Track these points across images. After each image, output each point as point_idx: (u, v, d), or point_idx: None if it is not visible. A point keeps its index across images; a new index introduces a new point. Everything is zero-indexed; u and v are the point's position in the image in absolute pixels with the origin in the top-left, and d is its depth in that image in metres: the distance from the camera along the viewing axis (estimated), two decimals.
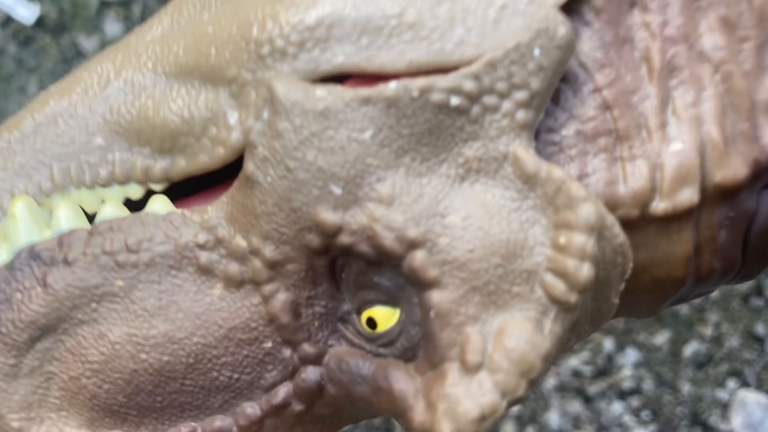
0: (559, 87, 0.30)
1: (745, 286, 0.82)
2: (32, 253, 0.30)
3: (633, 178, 0.30)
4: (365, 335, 0.29)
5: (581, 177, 0.30)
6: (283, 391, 0.30)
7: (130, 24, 0.82)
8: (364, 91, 0.28)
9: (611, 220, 0.29)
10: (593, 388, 0.78)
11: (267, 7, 0.29)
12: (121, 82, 0.31)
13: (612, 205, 0.30)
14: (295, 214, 0.28)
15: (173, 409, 0.30)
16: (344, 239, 0.28)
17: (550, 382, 0.79)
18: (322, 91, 0.28)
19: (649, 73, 0.31)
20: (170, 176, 0.31)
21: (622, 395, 0.78)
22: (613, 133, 0.30)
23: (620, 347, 0.80)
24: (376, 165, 0.28)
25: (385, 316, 0.29)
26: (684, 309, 0.82)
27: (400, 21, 0.29)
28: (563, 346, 0.29)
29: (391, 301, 0.29)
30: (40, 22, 0.80)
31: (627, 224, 0.30)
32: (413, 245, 0.28)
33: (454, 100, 0.28)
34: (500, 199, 0.29)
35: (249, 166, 0.29)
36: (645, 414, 0.78)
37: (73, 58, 0.80)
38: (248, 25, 0.29)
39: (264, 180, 0.28)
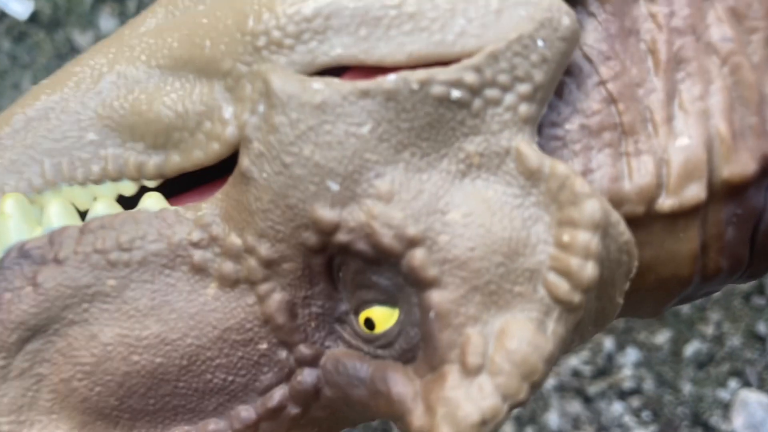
0: (562, 80, 0.30)
1: (746, 284, 0.82)
2: (22, 252, 0.30)
3: (638, 174, 0.30)
4: (363, 336, 0.29)
5: (585, 173, 0.30)
6: (278, 393, 0.30)
7: (125, 19, 0.82)
8: (363, 83, 0.28)
9: (616, 217, 0.29)
10: (593, 388, 0.78)
11: None
12: (114, 75, 0.31)
13: (617, 202, 0.30)
14: (292, 211, 0.28)
15: (166, 412, 0.30)
16: (342, 237, 0.28)
17: (549, 382, 0.79)
18: (319, 84, 0.28)
19: (655, 65, 0.31)
20: (164, 172, 0.30)
21: (623, 395, 0.79)
22: (618, 127, 0.30)
23: (620, 347, 0.80)
24: (374, 160, 0.28)
25: (384, 317, 0.29)
26: (685, 308, 0.82)
27: (400, 11, 0.28)
28: (566, 348, 0.29)
29: (389, 301, 0.29)
30: (34, 18, 0.80)
31: (632, 221, 0.30)
32: (412, 243, 0.28)
33: (455, 93, 0.28)
34: (502, 196, 0.28)
35: (244, 161, 0.28)
36: (645, 414, 0.78)
37: (68, 53, 0.80)
38: (244, 17, 0.29)
39: (259, 176, 0.28)
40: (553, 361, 0.28)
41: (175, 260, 0.29)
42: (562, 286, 0.27)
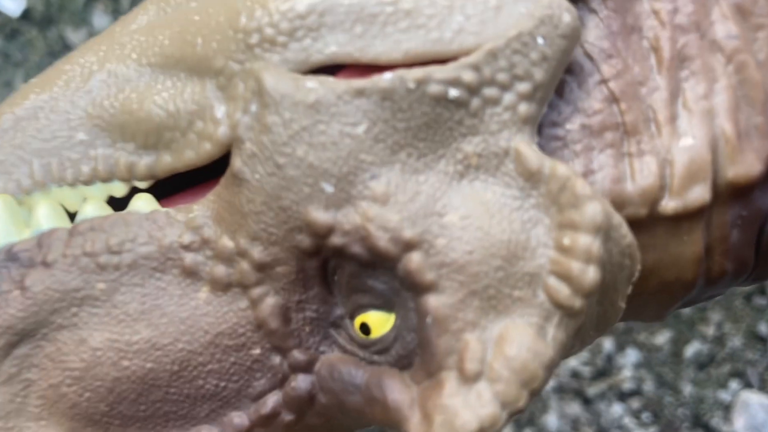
0: (563, 78, 0.30)
1: None
2: (10, 255, 0.30)
3: (641, 175, 0.29)
4: (358, 341, 0.29)
5: (586, 174, 0.30)
6: (272, 400, 0.29)
7: (118, 16, 0.82)
8: (358, 82, 0.27)
9: (618, 219, 0.28)
10: (592, 390, 0.79)
11: None
12: (104, 74, 0.31)
13: (619, 204, 0.30)
14: (285, 214, 0.28)
15: (157, 418, 0.29)
16: (336, 240, 0.28)
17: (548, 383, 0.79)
18: (313, 83, 0.27)
19: (658, 63, 0.30)
20: (155, 173, 0.30)
21: (622, 397, 0.79)
22: (621, 127, 0.30)
23: (620, 347, 0.80)
24: (370, 161, 0.28)
25: (380, 322, 0.28)
26: (685, 308, 0.82)
27: (396, 8, 0.28)
28: (567, 353, 0.29)
29: (385, 305, 0.28)
30: (26, 15, 0.80)
31: (635, 224, 0.30)
32: (409, 246, 0.27)
33: (453, 92, 0.28)
34: (501, 198, 0.28)
35: (236, 162, 0.28)
36: (645, 416, 0.78)
37: (60, 51, 0.81)
38: (236, 14, 0.29)
39: (252, 177, 0.28)
40: (553, 368, 0.27)
41: (166, 263, 0.29)
42: (563, 290, 0.27)
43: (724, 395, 0.78)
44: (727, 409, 0.78)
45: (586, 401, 0.79)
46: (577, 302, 0.27)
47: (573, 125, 0.30)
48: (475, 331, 0.27)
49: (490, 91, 0.28)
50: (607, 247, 0.28)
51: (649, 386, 0.79)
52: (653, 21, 0.30)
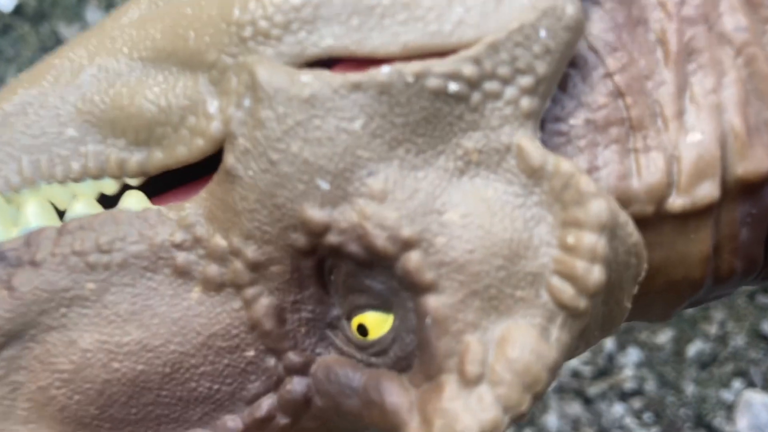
0: (566, 72, 0.30)
1: None
2: None
3: (648, 172, 0.29)
4: (356, 343, 0.29)
5: (591, 170, 0.29)
6: (266, 403, 0.29)
7: (112, 11, 0.82)
8: (355, 76, 0.27)
9: (624, 217, 0.28)
10: (593, 389, 0.79)
11: None
12: (94, 68, 0.30)
13: (625, 201, 0.29)
14: (279, 211, 0.27)
15: (149, 422, 0.29)
16: (332, 238, 0.27)
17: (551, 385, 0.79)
18: (308, 77, 0.27)
19: (664, 56, 0.30)
20: (146, 170, 0.30)
21: (624, 396, 0.79)
22: (626, 122, 0.29)
23: (621, 346, 0.80)
24: (367, 157, 0.27)
25: (377, 323, 0.28)
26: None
27: (394, 0, 0.28)
28: (570, 355, 0.29)
29: (383, 306, 0.28)
30: (18, 10, 0.80)
31: (641, 222, 0.29)
32: (408, 245, 0.27)
33: (453, 86, 0.27)
34: (503, 195, 0.28)
35: (229, 158, 0.28)
36: (647, 416, 0.78)
37: (53, 47, 0.81)
38: (229, 6, 0.29)
39: (245, 174, 0.28)
40: (557, 370, 0.27)
41: (157, 263, 0.29)
42: (567, 290, 0.27)
43: (726, 395, 0.79)
44: (729, 408, 0.78)
45: (587, 401, 0.79)
46: (582, 303, 0.27)
47: (577, 120, 0.29)
48: (476, 333, 0.27)
49: (491, 85, 0.28)
50: (612, 246, 0.27)
51: (650, 386, 0.79)
52: (660, 13, 0.30)
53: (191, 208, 0.29)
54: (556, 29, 0.28)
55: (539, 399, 0.27)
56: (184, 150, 0.29)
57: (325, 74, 0.27)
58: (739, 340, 0.80)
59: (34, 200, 0.30)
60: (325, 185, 0.27)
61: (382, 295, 0.28)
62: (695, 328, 0.81)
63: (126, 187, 0.30)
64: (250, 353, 0.29)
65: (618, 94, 0.30)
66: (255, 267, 0.28)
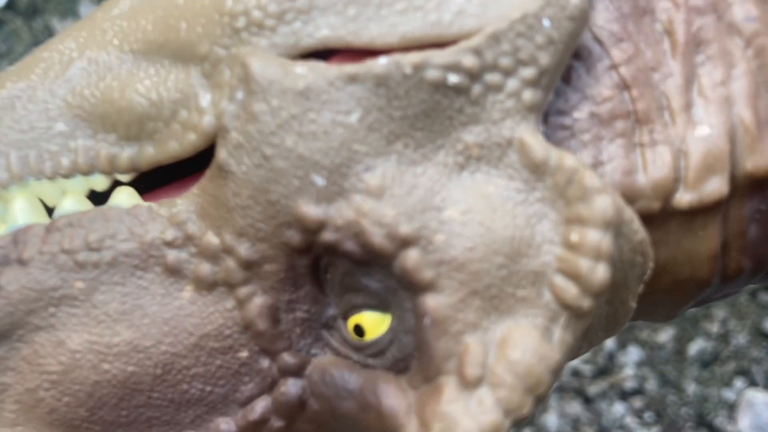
0: (570, 63, 0.29)
1: None
2: None
3: (654, 167, 0.29)
4: (352, 344, 0.28)
5: (596, 165, 0.29)
6: (260, 405, 0.29)
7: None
8: (351, 67, 0.27)
9: (630, 214, 0.27)
10: (593, 389, 0.79)
11: None
12: (84, 61, 0.30)
13: (630, 197, 0.29)
14: (273, 208, 0.27)
15: (140, 424, 0.29)
16: (328, 236, 0.27)
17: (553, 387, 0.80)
18: (302, 69, 0.27)
19: (672, 48, 0.30)
20: (138, 165, 0.29)
21: (624, 396, 0.79)
22: (632, 115, 0.29)
23: (622, 345, 0.80)
24: (363, 152, 0.27)
25: (374, 323, 0.28)
26: None
27: None
28: (573, 356, 0.28)
29: (380, 305, 0.28)
30: (11, 5, 0.81)
31: (647, 219, 0.29)
32: (406, 243, 0.27)
33: (452, 78, 0.27)
34: (504, 191, 0.27)
35: (221, 153, 0.28)
36: (648, 415, 0.79)
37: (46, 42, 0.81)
38: None
39: (238, 169, 0.27)
40: (559, 372, 0.27)
41: (148, 261, 0.28)
42: (570, 289, 0.26)
43: (728, 394, 0.79)
44: (731, 408, 0.78)
45: (587, 400, 0.79)
46: (586, 302, 0.26)
47: (581, 113, 0.29)
48: (476, 333, 0.26)
49: (492, 77, 0.28)
50: (617, 244, 0.27)
51: (651, 385, 0.79)
52: (666, 2, 0.30)
53: (183, 204, 0.28)
54: (560, 19, 0.28)
55: (541, 402, 0.26)
56: (176, 145, 0.28)
57: (320, 66, 0.27)
58: (740, 339, 0.80)
59: (23, 197, 0.30)
60: (320, 181, 0.27)
61: (379, 294, 0.28)
62: (697, 327, 0.81)
63: (117, 183, 0.30)
64: (244, 354, 0.28)
65: (623, 86, 0.29)
66: (248, 265, 0.28)
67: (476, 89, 0.27)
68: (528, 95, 0.28)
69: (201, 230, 0.28)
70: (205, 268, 0.28)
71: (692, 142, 0.29)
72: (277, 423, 0.29)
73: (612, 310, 0.29)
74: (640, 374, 0.79)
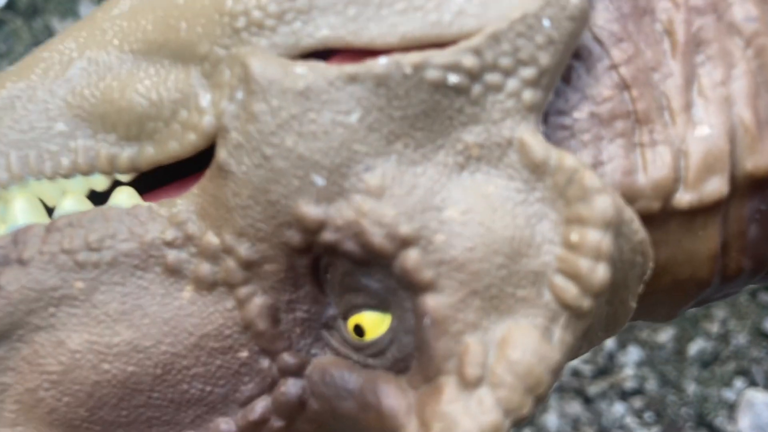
0: (570, 63, 0.29)
1: None
2: None
3: (654, 167, 0.29)
4: (352, 344, 0.28)
5: (596, 165, 0.29)
6: (260, 405, 0.29)
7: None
8: (351, 67, 0.27)
9: (630, 214, 0.27)
10: (593, 389, 0.79)
11: None
12: (84, 61, 0.30)
13: (630, 197, 0.29)
14: (273, 208, 0.27)
15: (140, 424, 0.29)
16: (328, 236, 0.27)
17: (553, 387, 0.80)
18: (302, 69, 0.27)
19: (672, 48, 0.30)
20: (138, 165, 0.29)
21: (624, 396, 0.79)
22: (632, 115, 0.29)
23: (622, 345, 0.80)
24: (363, 152, 0.27)
25: (374, 323, 0.28)
26: None
27: None
28: (573, 356, 0.28)
29: (380, 305, 0.28)
30: (11, 5, 0.81)
31: (647, 219, 0.29)
32: (406, 243, 0.26)
33: (452, 78, 0.27)
34: (504, 191, 0.27)
35: (221, 153, 0.27)
36: (648, 415, 0.79)
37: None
38: None
39: (238, 169, 0.27)
40: (559, 372, 0.26)
41: (148, 261, 0.28)
42: (570, 289, 0.26)
43: (728, 394, 0.79)
44: (731, 408, 0.78)
45: (587, 400, 0.79)
46: (586, 302, 0.26)
47: (581, 113, 0.29)
48: (476, 333, 0.26)
49: (492, 77, 0.27)
50: (617, 244, 0.27)
51: (651, 385, 0.79)
52: (667, 2, 0.30)
53: (183, 204, 0.28)
54: (560, 19, 0.28)
55: (541, 402, 0.26)
56: (176, 145, 0.28)
57: (320, 66, 0.27)
58: (740, 339, 0.80)
59: (22, 197, 0.30)
60: (320, 181, 0.27)
61: (379, 294, 0.27)
62: (696, 327, 0.80)
63: (117, 183, 0.30)
64: (244, 354, 0.28)
65: (623, 86, 0.29)
66: (248, 265, 0.28)
67: (476, 89, 0.27)
68: (528, 95, 0.28)
69: (201, 230, 0.28)
70: (205, 268, 0.28)
71: (692, 142, 0.29)
72: (277, 423, 0.29)
73: (612, 310, 0.29)
74: (640, 374, 0.79)
